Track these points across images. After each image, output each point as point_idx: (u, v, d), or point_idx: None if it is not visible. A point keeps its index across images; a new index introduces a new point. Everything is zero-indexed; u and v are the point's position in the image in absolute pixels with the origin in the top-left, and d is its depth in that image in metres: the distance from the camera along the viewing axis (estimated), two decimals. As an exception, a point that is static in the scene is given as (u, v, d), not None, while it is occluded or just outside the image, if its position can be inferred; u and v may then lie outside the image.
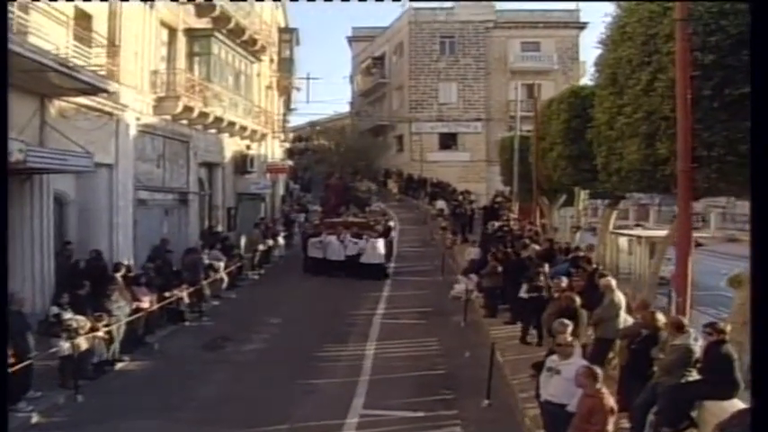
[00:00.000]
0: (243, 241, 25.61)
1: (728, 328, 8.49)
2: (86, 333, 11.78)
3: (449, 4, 47.73)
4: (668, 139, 12.59)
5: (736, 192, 13.38)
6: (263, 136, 29.67)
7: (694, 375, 8.44)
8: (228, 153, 26.45)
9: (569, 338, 8.19)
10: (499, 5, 47.15)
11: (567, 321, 8.97)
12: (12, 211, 14.24)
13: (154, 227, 20.21)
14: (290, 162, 39.94)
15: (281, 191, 38.14)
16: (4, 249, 9.97)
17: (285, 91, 37.99)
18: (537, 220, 28.21)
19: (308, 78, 64.06)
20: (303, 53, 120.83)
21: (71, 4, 15.58)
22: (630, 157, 14.88)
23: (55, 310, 11.77)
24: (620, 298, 11.34)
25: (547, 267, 15.29)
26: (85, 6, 16.44)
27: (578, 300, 11.09)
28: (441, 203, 36.22)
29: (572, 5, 45.54)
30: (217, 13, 22.93)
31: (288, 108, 42.97)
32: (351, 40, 58.44)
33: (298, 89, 45.39)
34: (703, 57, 11.64)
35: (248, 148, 28.24)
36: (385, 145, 51.94)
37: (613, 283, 11.72)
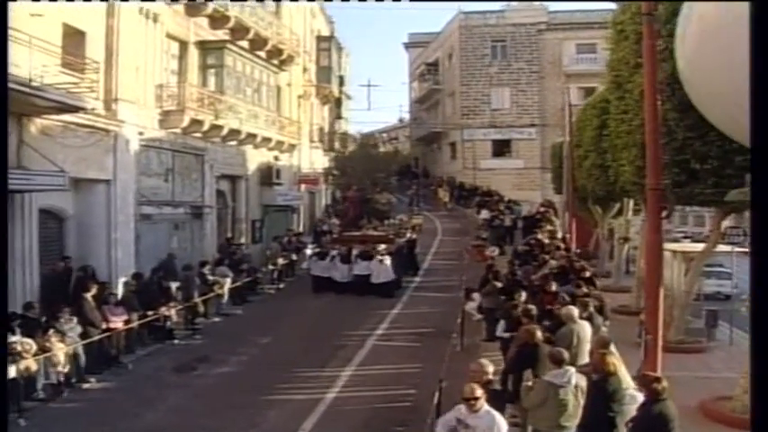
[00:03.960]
0: (269, 254, 25.34)
1: (665, 382, 7.28)
2: (33, 355, 11.52)
3: (500, 6, 46.53)
4: (661, 149, 11.32)
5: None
6: (293, 146, 29.27)
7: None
8: (253, 165, 26.23)
9: (478, 391, 7.17)
10: (552, 6, 45.57)
11: (485, 362, 8.01)
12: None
13: (161, 242, 20.06)
14: (335, 171, 39.52)
15: (323, 201, 37.83)
16: (5, 253, 9.82)
17: (327, 100, 37.66)
18: (573, 232, 26.84)
19: (368, 86, 64.61)
20: (365, 60, 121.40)
21: (60, 21, 15.60)
22: (624, 168, 13.72)
23: (0, 332, 11.53)
24: (580, 330, 10.20)
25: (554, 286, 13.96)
26: (78, 24, 16.42)
27: (539, 334, 9.99)
28: (485, 213, 35.02)
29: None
30: (232, 24, 22.68)
31: (337, 116, 42.74)
32: (407, 45, 57.89)
33: (348, 97, 45.29)
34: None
35: (276, 159, 27.94)
36: (440, 153, 51.13)
37: (575, 313, 10.55)
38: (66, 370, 12.45)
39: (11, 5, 13.53)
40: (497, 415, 7.10)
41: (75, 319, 13.06)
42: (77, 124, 16.07)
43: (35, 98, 13.28)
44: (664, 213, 9.89)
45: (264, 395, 12.38)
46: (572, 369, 8.01)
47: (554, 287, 13.05)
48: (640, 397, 8.28)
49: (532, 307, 11.41)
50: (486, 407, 7.18)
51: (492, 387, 7.78)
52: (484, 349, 15.26)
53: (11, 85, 12.33)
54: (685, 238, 33.08)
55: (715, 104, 5.77)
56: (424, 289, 23.57)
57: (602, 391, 7.98)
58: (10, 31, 12.90)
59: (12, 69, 12.71)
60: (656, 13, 10.11)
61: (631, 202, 23.84)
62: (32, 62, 13.09)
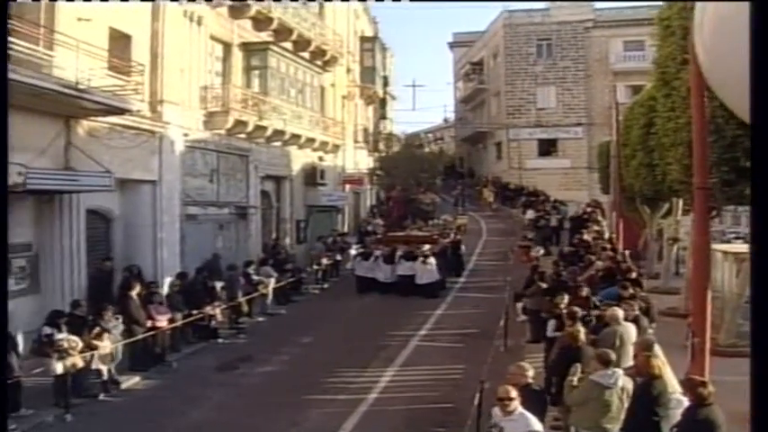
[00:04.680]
0: (313, 254, 25.48)
1: (711, 387, 7.01)
2: (80, 352, 11.74)
3: (545, 4, 45.85)
4: (709, 147, 10.91)
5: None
6: (337, 147, 29.38)
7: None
8: (297, 165, 26.40)
9: (512, 393, 7.04)
10: (598, 3, 44.81)
11: (525, 366, 7.88)
12: (42, 228, 14.74)
13: (206, 242, 20.31)
14: (380, 172, 39.50)
15: (368, 201, 37.87)
16: (5, 251, 10.08)
17: (371, 100, 37.70)
18: (620, 232, 26.30)
19: (413, 86, 64.55)
20: (410, 60, 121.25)
21: (106, 25, 15.90)
22: (671, 167, 13.36)
23: (47, 330, 11.81)
24: (624, 332, 9.95)
25: (585, 291, 13.67)
26: (124, 27, 16.70)
27: (582, 336, 9.76)
28: (530, 213, 34.62)
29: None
30: (275, 26, 22.86)
31: (382, 117, 42.77)
32: (452, 45, 57.68)
33: (393, 97, 45.27)
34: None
35: (320, 159, 28.07)
36: (485, 153, 50.77)
37: (620, 314, 10.29)
38: (112, 367, 12.68)
39: (58, 9, 13.96)
40: (531, 417, 6.93)
41: (119, 318, 13.25)
42: (123, 126, 16.37)
43: (82, 101, 13.55)
44: (712, 213, 9.56)
45: (306, 395, 12.40)
46: (619, 371, 7.85)
47: (585, 292, 12.78)
48: (686, 402, 8.04)
49: (577, 309, 11.18)
50: (519, 409, 7.01)
51: (531, 388, 7.61)
52: (528, 351, 15.05)
53: (58, 88, 12.69)
54: (737, 238, 32.03)
55: (734, 92, 5.54)
56: (469, 290, 23.39)
57: (646, 395, 7.75)
58: (57, 36, 13.28)
59: (58, 72, 13.06)
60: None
61: (681, 202, 23.25)
62: (79, 65, 13.32)
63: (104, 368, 12.44)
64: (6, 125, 7.84)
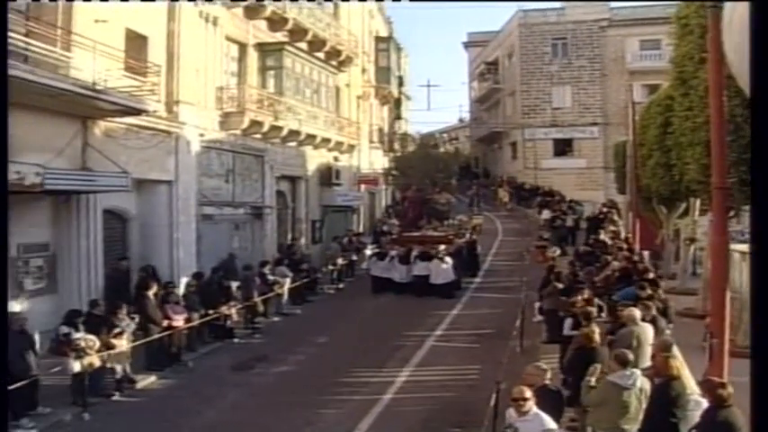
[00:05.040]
0: (328, 254, 25.51)
1: (731, 388, 6.93)
2: (97, 351, 11.81)
3: (560, 3, 45.61)
4: (728, 146, 10.78)
5: None
6: (352, 147, 29.40)
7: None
8: (312, 165, 26.45)
9: (527, 393, 7.01)
10: (614, 3, 44.54)
11: (541, 366, 7.84)
12: (59, 228, 14.86)
13: (221, 242, 20.38)
14: (395, 172, 39.47)
15: (383, 201, 37.86)
16: (5, 252, 10.19)
17: (386, 100, 37.70)
18: (636, 232, 26.14)
19: (428, 86, 64.50)
20: (425, 60, 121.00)
21: (122, 26, 16.00)
22: (689, 167, 13.26)
23: (65, 329, 11.90)
24: (641, 332, 9.87)
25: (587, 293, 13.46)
26: (140, 28, 16.79)
27: (597, 337, 9.69)
28: (546, 213, 34.50)
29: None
30: (290, 26, 22.91)
31: (397, 117, 42.79)
32: (467, 45, 57.58)
33: (408, 97, 45.25)
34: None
35: (336, 159, 28.11)
36: (501, 152, 50.62)
37: (637, 314, 10.21)
38: (126, 366, 12.75)
39: (75, 11, 14.07)
40: (546, 417, 6.92)
41: (135, 317, 13.31)
42: (140, 126, 16.43)
43: (99, 101, 13.63)
44: (731, 213, 9.46)
45: (322, 394, 12.42)
46: (637, 371, 7.81)
47: (587, 294, 12.72)
48: (705, 403, 7.95)
49: (592, 309, 11.14)
50: (534, 409, 7.00)
51: (548, 389, 7.58)
52: (543, 351, 14.96)
53: (76, 89, 12.78)
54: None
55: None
56: (484, 290, 23.34)
57: (664, 396, 7.69)
58: (74, 37, 13.38)
59: (75, 73, 13.16)
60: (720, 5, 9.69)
61: (698, 202, 23.05)
62: (96, 66, 13.40)
63: (119, 367, 12.52)
64: (6, 125, 7.87)
